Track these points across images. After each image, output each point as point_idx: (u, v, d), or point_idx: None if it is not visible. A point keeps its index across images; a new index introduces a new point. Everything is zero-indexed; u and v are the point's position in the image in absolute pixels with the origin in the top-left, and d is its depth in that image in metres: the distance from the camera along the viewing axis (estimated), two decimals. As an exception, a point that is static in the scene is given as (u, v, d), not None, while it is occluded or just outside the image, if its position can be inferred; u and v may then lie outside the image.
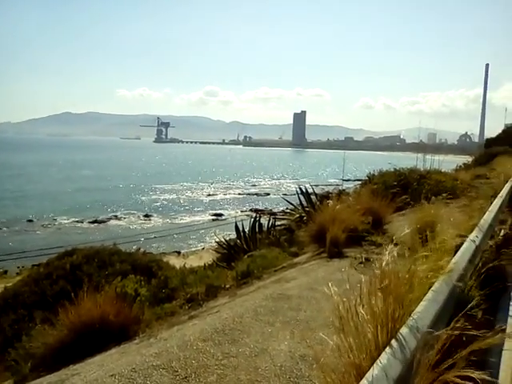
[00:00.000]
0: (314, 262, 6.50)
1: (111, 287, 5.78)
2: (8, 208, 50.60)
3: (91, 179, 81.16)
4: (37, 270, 10.10)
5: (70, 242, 31.08)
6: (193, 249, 35.20)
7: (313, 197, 13.79)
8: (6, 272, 27.73)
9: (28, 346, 5.81)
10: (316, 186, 21.37)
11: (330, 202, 9.80)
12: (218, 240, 14.52)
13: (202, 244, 36.75)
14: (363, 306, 2.32)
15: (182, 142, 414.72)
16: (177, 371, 3.01)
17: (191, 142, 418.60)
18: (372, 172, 17.84)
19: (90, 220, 45.60)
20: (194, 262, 16.15)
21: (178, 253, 32.73)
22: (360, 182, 19.37)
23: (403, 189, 13.62)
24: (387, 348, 2.22)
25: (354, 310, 2.30)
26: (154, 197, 65.22)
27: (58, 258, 9.57)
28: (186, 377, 2.91)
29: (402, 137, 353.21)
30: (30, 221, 44.60)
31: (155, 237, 34.82)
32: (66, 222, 45.14)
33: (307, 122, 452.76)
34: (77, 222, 45.17)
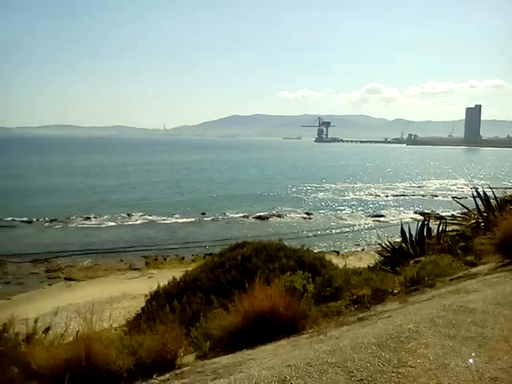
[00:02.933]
0: (499, 274, 5.79)
1: (281, 281, 6.02)
2: (184, 201, 57.11)
3: (256, 177, 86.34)
4: (212, 259, 11.12)
5: (235, 235, 33.70)
6: (352, 249, 34.76)
7: (492, 201, 12.31)
8: (183, 258, 31.35)
9: (205, 326, 6.41)
10: (495, 188, 19.07)
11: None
12: (380, 242, 14.02)
13: (361, 245, 36.05)
14: None
15: (343, 141, 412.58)
16: (352, 372, 2.97)
17: (352, 142, 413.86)
18: None
19: (255, 215, 48.56)
20: (353, 263, 15.93)
21: (337, 252, 32.67)
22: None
23: None
24: None
25: None
26: (314, 195, 66.31)
27: (230, 250, 10.38)
28: (361, 379, 2.86)
29: None
30: (203, 213, 49.52)
31: (315, 235, 35.40)
32: (234, 216, 48.90)
33: (482, 117, 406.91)
34: (243, 217, 48.55)
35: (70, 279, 27.61)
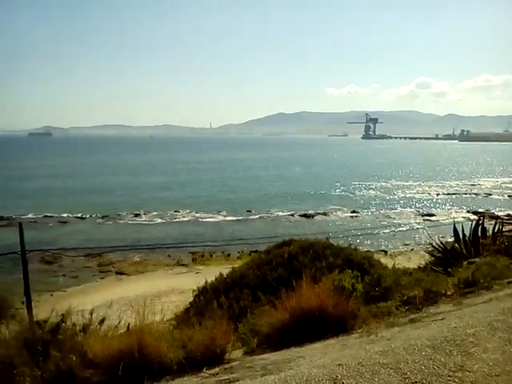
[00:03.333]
0: (562, 277, 5.46)
1: (329, 279, 5.96)
2: (230, 199, 57.70)
3: (302, 175, 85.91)
4: (258, 256, 11.17)
5: (281, 233, 33.66)
6: (400, 249, 33.88)
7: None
8: (229, 255, 31.73)
9: (252, 322, 6.44)
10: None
11: None
12: (431, 242, 13.57)
13: (410, 245, 35.07)
14: None
15: (391, 137, 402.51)
16: (405, 374, 2.89)
17: (400, 138, 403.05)
18: None
19: (300, 213, 48.33)
20: (402, 263, 15.50)
21: (385, 252, 31.96)
22: None
23: None
24: None
25: None
26: (361, 193, 65.19)
27: (277, 247, 10.39)
28: (415, 382, 2.78)
29: None
30: (249, 211, 49.85)
31: (362, 234, 34.76)
32: (279, 214, 48.90)
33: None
34: (289, 215, 48.45)
35: (121, 273, 28.62)
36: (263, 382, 3.14)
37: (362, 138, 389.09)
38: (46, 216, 45.59)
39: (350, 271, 6.15)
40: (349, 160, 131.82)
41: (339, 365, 3.13)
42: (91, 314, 5.33)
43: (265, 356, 4.69)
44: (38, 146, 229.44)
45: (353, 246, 11.58)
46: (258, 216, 47.83)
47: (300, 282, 5.78)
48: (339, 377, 2.94)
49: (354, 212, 49.96)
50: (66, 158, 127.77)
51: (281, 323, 5.68)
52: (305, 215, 47.80)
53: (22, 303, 11.63)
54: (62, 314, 5.21)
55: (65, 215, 46.37)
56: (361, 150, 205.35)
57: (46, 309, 6.09)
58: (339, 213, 49.79)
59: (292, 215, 48.25)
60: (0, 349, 4.43)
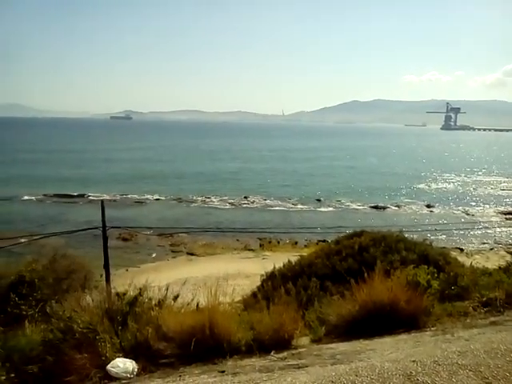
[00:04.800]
0: None
1: (402, 274, 5.76)
2: (300, 188, 57.50)
3: (376, 166, 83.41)
4: (328, 245, 11.06)
5: (350, 224, 33.00)
6: (478, 248, 31.94)
7: None
8: (296, 243, 31.74)
9: (320, 311, 6.41)
10: None
11: None
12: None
13: (489, 244, 32.98)
14: None
15: (474, 129, 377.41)
16: (487, 378, 2.72)
17: (485, 130, 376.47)
18: None
19: (371, 205, 47.07)
20: (479, 263, 14.61)
21: (461, 250, 30.28)
22: None
23: None
24: None
25: None
26: (438, 187, 62.10)
27: (347, 238, 10.22)
28: (498, 388, 2.61)
29: None
30: (318, 200, 49.40)
31: (437, 230, 33.19)
32: (349, 204, 48.00)
33: None
34: (358, 205, 47.40)
35: (191, 254, 29.70)
36: (334, 371, 3.11)
37: (442, 128, 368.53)
38: (124, 196, 48.34)
39: (426, 267, 5.90)
40: (427, 151, 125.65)
41: (413, 361, 3.03)
42: (166, 290, 5.58)
43: (333, 345, 4.66)
44: (119, 129, 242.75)
45: (429, 242, 11.07)
46: (327, 206, 47.28)
47: (371, 275, 5.66)
48: (413, 373, 2.84)
49: (428, 206, 47.75)
50: (144, 142, 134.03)
51: (350, 314, 5.61)
52: (376, 207, 46.47)
53: (101, 276, 12.39)
54: (140, 288, 5.51)
55: (144, 196, 48.82)
56: (440, 141, 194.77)
57: (121, 282, 6.46)
58: (413, 206, 47.85)
59: (362, 206, 47.15)
60: (85, 316, 4.77)
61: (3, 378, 3.80)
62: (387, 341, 4.32)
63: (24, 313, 7.52)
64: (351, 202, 48.65)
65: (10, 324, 6.40)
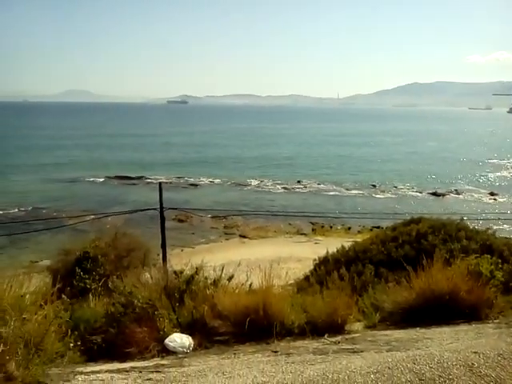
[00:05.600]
0: None
1: (463, 263, 5.53)
2: (354, 173, 56.41)
3: (436, 151, 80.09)
4: (383, 232, 10.81)
5: (406, 210, 32.05)
6: (547, 239, 29.95)
7: None
8: (349, 228, 31.31)
9: (374, 297, 6.30)
10: None
11: None
12: None
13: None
14: None
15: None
16: (557, 375, 2.57)
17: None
18: None
19: (430, 191, 45.37)
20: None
21: (527, 241, 28.54)
22: None
23: None
24: None
25: None
26: (500, 174, 58.66)
27: (404, 224, 9.93)
28: None
29: None
30: (374, 185, 48.27)
31: (499, 218, 31.48)
32: (406, 190, 46.54)
33: None
34: (416, 191, 45.84)
35: (244, 237, 30.10)
36: (390, 357, 3.06)
37: (509, 112, 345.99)
38: (179, 178, 49.64)
39: (489, 257, 5.62)
40: (492, 136, 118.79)
41: (475, 352, 2.90)
42: (222, 270, 5.70)
43: (388, 332, 4.58)
44: (175, 113, 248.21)
45: (490, 231, 10.53)
46: (382, 191, 46.09)
47: (430, 263, 5.48)
48: (476, 365, 2.72)
49: (492, 194, 45.26)
50: (199, 127, 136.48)
51: (406, 302, 5.48)
52: (435, 194, 44.70)
53: (158, 255, 12.83)
54: (196, 268, 5.67)
55: (197, 179, 49.91)
56: (507, 126, 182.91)
57: (176, 262, 6.67)
58: (475, 194, 45.57)
59: (420, 192, 45.54)
60: (145, 291, 4.99)
61: (71, 345, 4.07)
62: (446, 330, 4.18)
63: (88, 286, 7.99)
64: (408, 188, 47.12)
65: (76, 296, 6.82)
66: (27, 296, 4.14)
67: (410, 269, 5.76)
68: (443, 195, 44.36)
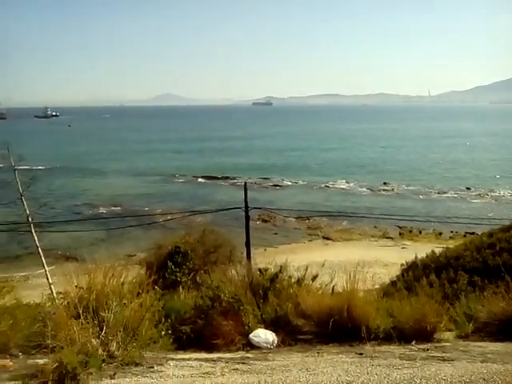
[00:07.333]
0: None
1: None
2: (446, 176, 53.17)
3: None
4: (479, 238, 10.12)
5: (504, 216, 29.48)
6: None
7: None
8: (440, 234, 29.60)
9: (467, 307, 5.94)
10: None
11: None
12: None
13: None
14: None
15: None
16: None
17: None
18: None
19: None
20: None
21: None
22: None
23: None
24: None
25: None
26: None
27: (503, 230, 9.22)
28: None
29: None
30: (468, 188, 45.20)
31: None
32: (503, 194, 43.02)
33: None
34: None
35: (327, 238, 29.78)
36: (485, 368, 2.89)
37: None
38: (263, 179, 50.31)
39: None
40: None
41: None
42: (306, 270, 5.73)
43: (482, 344, 4.32)
44: (260, 115, 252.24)
45: None
46: (477, 195, 42.98)
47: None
48: None
49: None
50: (284, 127, 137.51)
51: (504, 313, 5.11)
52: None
53: (241, 253, 13.11)
54: (280, 266, 5.76)
55: (280, 181, 50.24)
56: None
57: (260, 260, 6.81)
58: None
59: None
60: (231, 287, 5.18)
61: (163, 333, 4.36)
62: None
63: (178, 279, 8.46)
64: (509, 193, 43.43)
65: (167, 288, 7.26)
66: (125, 285, 4.52)
67: (509, 278, 5.38)
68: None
